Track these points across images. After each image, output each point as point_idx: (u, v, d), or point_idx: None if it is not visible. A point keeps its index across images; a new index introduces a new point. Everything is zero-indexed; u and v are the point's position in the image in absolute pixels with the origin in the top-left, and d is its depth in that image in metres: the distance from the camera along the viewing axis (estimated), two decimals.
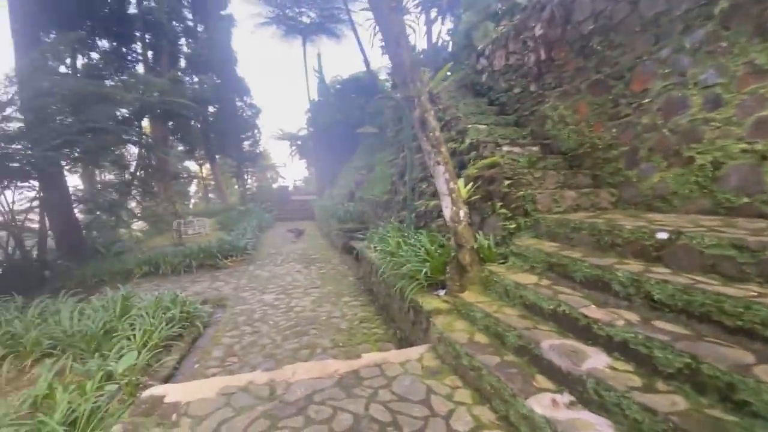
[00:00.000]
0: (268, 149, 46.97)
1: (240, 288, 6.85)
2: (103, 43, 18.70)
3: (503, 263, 3.52)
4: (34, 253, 8.51)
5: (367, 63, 19.34)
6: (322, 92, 22.99)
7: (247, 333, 4.69)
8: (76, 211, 10.06)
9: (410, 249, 4.42)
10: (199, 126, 21.67)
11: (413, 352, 3.04)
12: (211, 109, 20.58)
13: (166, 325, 4.44)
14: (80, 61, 17.61)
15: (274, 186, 29.59)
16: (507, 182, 3.96)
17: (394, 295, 4.31)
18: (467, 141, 5.00)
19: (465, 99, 6.57)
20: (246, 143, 23.68)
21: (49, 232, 8.91)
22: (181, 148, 25.50)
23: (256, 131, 23.62)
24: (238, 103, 22.01)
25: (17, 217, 8.10)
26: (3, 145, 7.52)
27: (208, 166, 30.47)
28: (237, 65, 22.31)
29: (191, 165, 35.92)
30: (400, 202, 6.74)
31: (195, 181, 40.36)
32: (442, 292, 3.62)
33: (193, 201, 37.62)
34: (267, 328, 4.81)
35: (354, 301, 5.76)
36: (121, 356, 3.28)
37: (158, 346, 4.01)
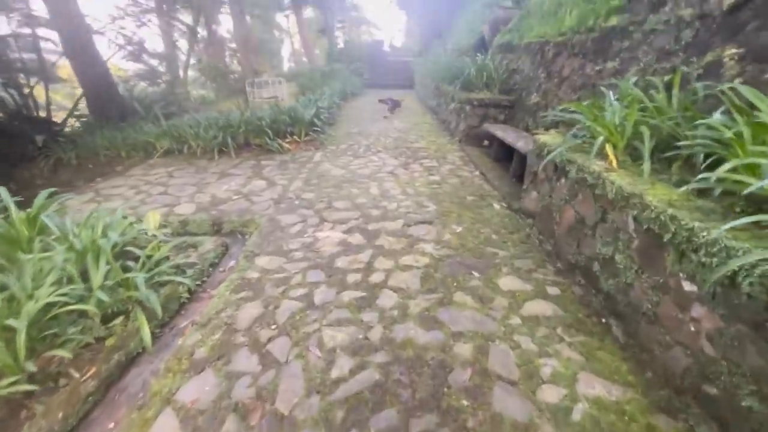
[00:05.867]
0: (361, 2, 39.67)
1: (285, 200, 3.68)
2: None
3: None
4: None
5: None
6: None
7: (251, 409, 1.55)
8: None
9: None
10: None
11: None
12: None
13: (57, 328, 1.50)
14: None
15: (364, 37, 24.49)
16: None
17: None
18: None
19: None
20: None
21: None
22: None
23: None
24: None
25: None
26: None
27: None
28: None
29: (282, 22, 32.01)
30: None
31: (287, 41, 36.94)
32: None
33: (288, 65, 34.81)
34: (312, 404, 1.60)
35: (544, 298, 2.14)
36: None
37: None
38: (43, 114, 5.98)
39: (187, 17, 12.25)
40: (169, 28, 11.53)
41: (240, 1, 13.07)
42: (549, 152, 2.57)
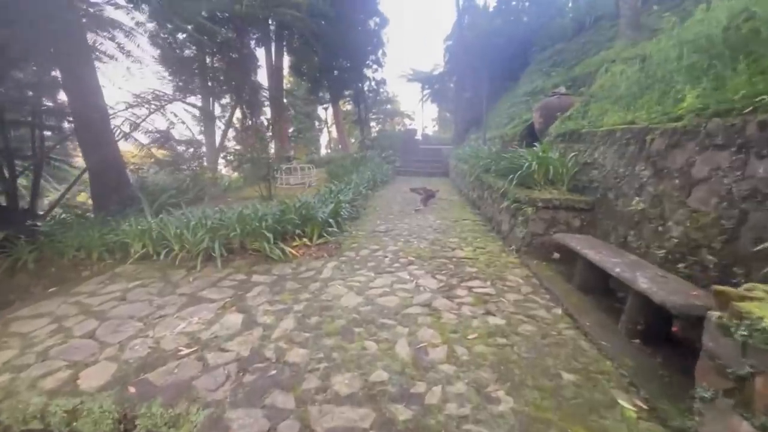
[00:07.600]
0: (396, 93, 42.58)
1: (257, 366, 2.25)
2: None
3: None
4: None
5: None
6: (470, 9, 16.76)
7: None
8: None
9: None
10: (317, 58, 18.12)
11: None
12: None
13: None
14: None
15: (398, 128, 25.09)
16: None
17: None
18: None
19: None
20: (368, 71, 19.14)
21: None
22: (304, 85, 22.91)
23: (380, 53, 18.66)
24: (360, 16, 17.35)
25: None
26: None
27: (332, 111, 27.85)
28: None
29: (322, 113, 34.51)
30: None
31: (326, 130, 39.57)
32: None
33: (325, 151, 36.73)
34: None
35: None
36: None
37: None
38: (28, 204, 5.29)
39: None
40: (209, 117, 11.68)
41: (279, 96, 13.57)
42: None
